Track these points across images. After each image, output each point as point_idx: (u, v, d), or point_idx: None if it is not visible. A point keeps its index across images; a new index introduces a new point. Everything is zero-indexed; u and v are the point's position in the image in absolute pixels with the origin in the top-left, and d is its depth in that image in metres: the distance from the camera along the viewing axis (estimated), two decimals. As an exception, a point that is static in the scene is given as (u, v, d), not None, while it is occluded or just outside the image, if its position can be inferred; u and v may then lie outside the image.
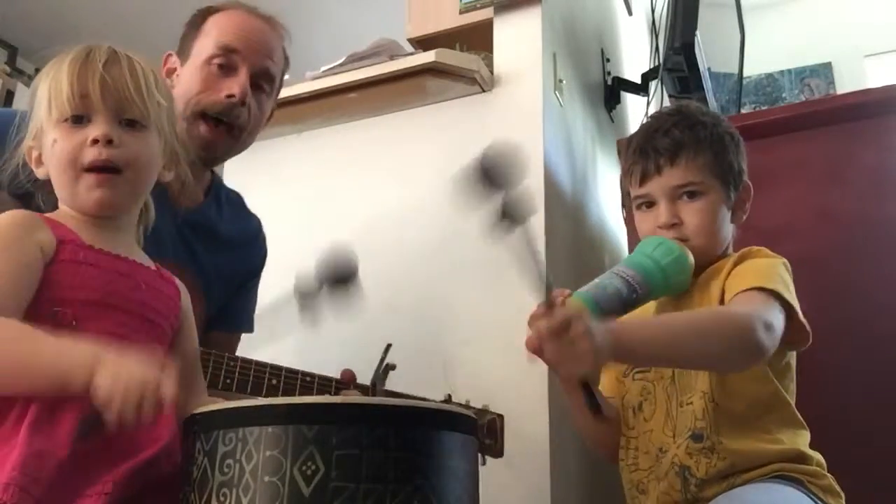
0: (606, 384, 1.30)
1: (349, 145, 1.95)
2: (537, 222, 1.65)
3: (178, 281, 1.03)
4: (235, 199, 1.43)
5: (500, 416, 1.35)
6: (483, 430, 1.27)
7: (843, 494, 1.10)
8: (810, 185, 1.71)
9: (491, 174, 0.94)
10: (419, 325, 1.70)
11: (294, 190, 1.95)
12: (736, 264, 1.13)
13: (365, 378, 1.24)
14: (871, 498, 1.41)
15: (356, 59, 1.87)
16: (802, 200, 1.70)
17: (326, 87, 1.84)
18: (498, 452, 1.30)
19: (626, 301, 1.08)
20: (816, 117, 1.76)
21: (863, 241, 1.63)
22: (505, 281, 1.59)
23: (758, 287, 1.05)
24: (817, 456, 1.11)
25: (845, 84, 3.50)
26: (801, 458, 1.09)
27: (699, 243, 1.15)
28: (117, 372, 0.76)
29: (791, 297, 1.07)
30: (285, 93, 1.86)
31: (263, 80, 1.30)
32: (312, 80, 1.87)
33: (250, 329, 1.44)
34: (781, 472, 1.06)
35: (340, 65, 1.88)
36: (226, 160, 1.35)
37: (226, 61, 1.25)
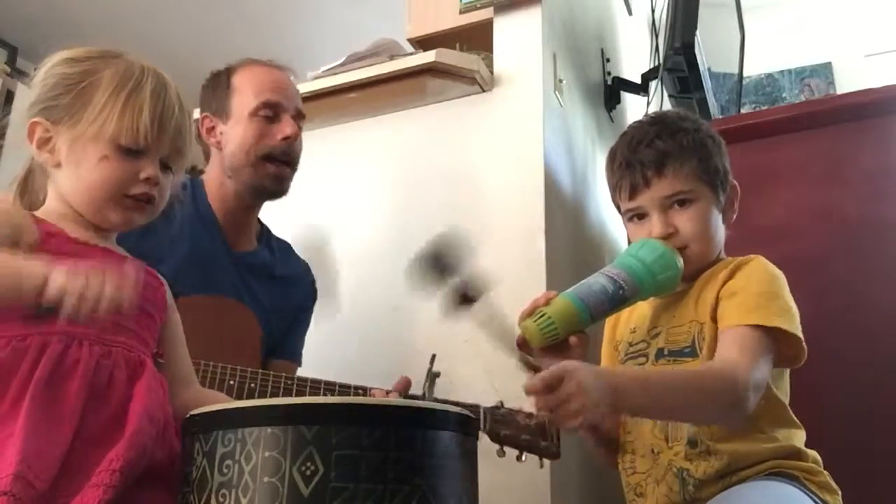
0: None
1: (349, 145, 1.95)
2: (537, 222, 1.65)
3: (163, 279, 1.05)
4: (285, 246, 1.61)
5: None
6: (537, 434, 1.30)
7: (839, 491, 1.10)
8: (810, 185, 1.71)
9: (442, 262, 0.97)
10: (420, 323, 1.71)
11: (293, 190, 1.95)
12: (732, 272, 1.13)
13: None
14: (871, 497, 1.41)
15: (356, 59, 1.87)
16: (802, 200, 1.70)
17: (326, 87, 1.84)
18: (555, 454, 1.32)
19: (613, 298, 1.09)
20: (816, 117, 1.76)
21: (863, 241, 1.63)
22: (506, 279, 1.59)
23: (754, 325, 1.05)
24: (813, 453, 1.12)
25: (845, 84, 3.50)
26: (796, 455, 1.09)
27: (697, 249, 1.16)
28: (73, 271, 0.82)
29: (791, 324, 1.07)
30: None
31: (299, 119, 1.51)
32: (312, 80, 1.87)
33: (300, 362, 1.55)
34: (777, 468, 1.06)
35: (340, 65, 1.88)
36: (288, 191, 1.52)
37: (271, 112, 1.45)
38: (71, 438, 0.81)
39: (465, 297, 0.99)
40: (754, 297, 1.09)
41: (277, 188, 1.47)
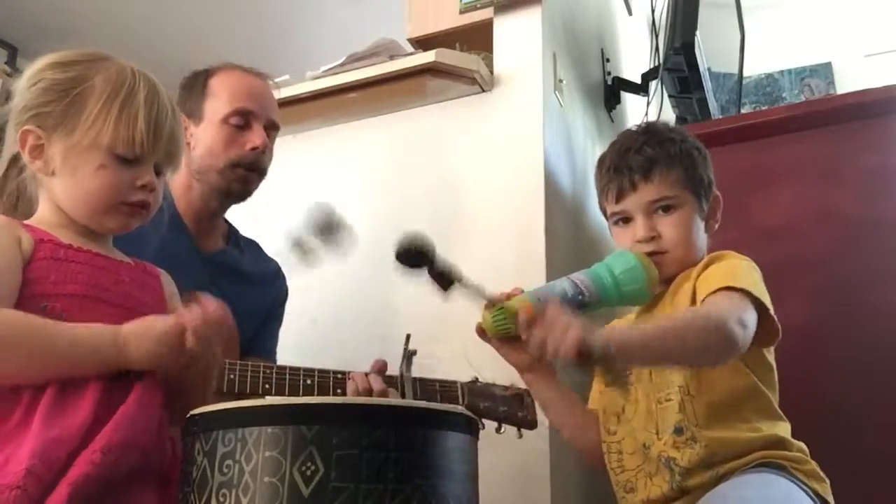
0: (591, 398, 1.33)
1: (349, 145, 1.95)
2: (537, 222, 1.65)
3: (162, 273, 1.06)
4: (253, 244, 1.61)
5: (528, 391, 1.39)
6: (514, 405, 1.35)
7: (827, 480, 1.11)
8: (810, 185, 1.71)
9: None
10: (419, 324, 1.70)
11: (293, 190, 1.95)
12: (705, 267, 1.16)
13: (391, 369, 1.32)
14: (871, 496, 1.41)
15: (356, 59, 1.87)
16: (802, 200, 1.70)
17: (326, 87, 1.84)
18: (532, 423, 1.37)
19: (572, 302, 1.12)
20: (816, 117, 1.76)
21: (863, 241, 1.63)
22: (505, 281, 1.59)
23: (727, 286, 1.08)
24: (799, 443, 1.13)
25: (845, 84, 3.50)
26: (782, 444, 1.11)
27: (678, 254, 1.20)
28: (149, 338, 0.88)
29: (761, 294, 1.10)
30: (285, 93, 1.86)
31: (271, 129, 1.49)
32: (312, 80, 1.87)
33: (275, 360, 1.55)
34: (764, 459, 1.08)
35: (340, 65, 1.88)
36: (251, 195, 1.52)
37: (242, 121, 1.44)
38: (84, 434, 0.82)
39: (326, 230, 1.07)
40: (723, 272, 1.13)
41: (243, 191, 1.47)
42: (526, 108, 1.76)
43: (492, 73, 1.80)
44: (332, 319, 1.75)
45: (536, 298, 1.13)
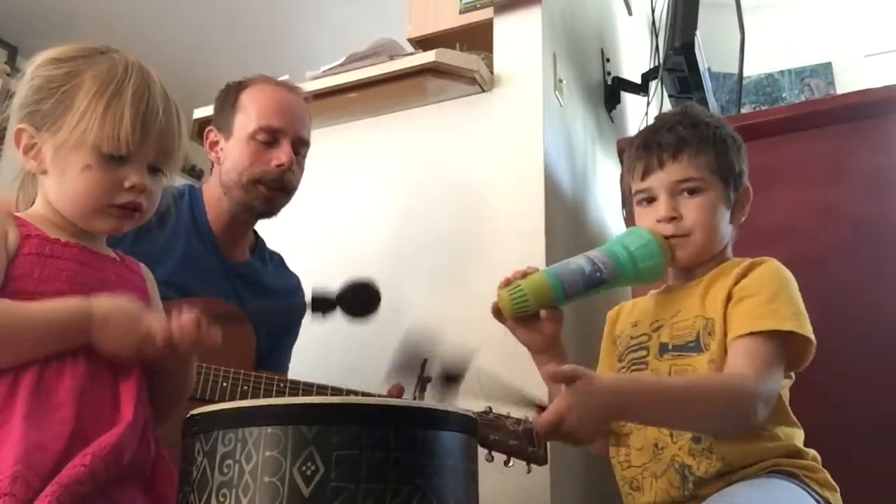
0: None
1: (349, 145, 1.95)
2: (537, 222, 1.65)
3: (143, 268, 1.05)
4: (277, 258, 1.62)
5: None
6: (525, 439, 1.31)
7: (838, 488, 1.11)
8: (810, 185, 1.70)
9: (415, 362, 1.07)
10: (420, 326, 1.70)
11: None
12: (746, 272, 1.14)
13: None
14: (869, 496, 1.41)
15: (356, 59, 1.87)
16: (802, 200, 1.70)
17: (326, 87, 1.84)
18: (543, 460, 1.34)
19: (589, 279, 1.13)
20: (816, 117, 1.76)
21: (863, 241, 1.63)
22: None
23: (765, 331, 1.06)
24: (812, 452, 1.12)
25: (845, 84, 3.50)
26: (796, 453, 1.10)
27: (698, 238, 1.17)
28: (113, 324, 0.89)
29: (803, 327, 1.08)
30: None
31: (301, 146, 1.48)
32: (312, 80, 1.87)
33: (286, 372, 1.56)
34: (777, 466, 1.07)
35: (340, 65, 1.88)
36: (279, 212, 1.51)
37: (269, 137, 1.44)
38: (68, 435, 0.81)
39: (450, 378, 1.05)
40: (766, 302, 1.09)
41: (266, 210, 1.47)
42: (526, 108, 1.76)
43: (492, 73, 1.80)
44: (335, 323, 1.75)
45: (554, 275, 1.14)
